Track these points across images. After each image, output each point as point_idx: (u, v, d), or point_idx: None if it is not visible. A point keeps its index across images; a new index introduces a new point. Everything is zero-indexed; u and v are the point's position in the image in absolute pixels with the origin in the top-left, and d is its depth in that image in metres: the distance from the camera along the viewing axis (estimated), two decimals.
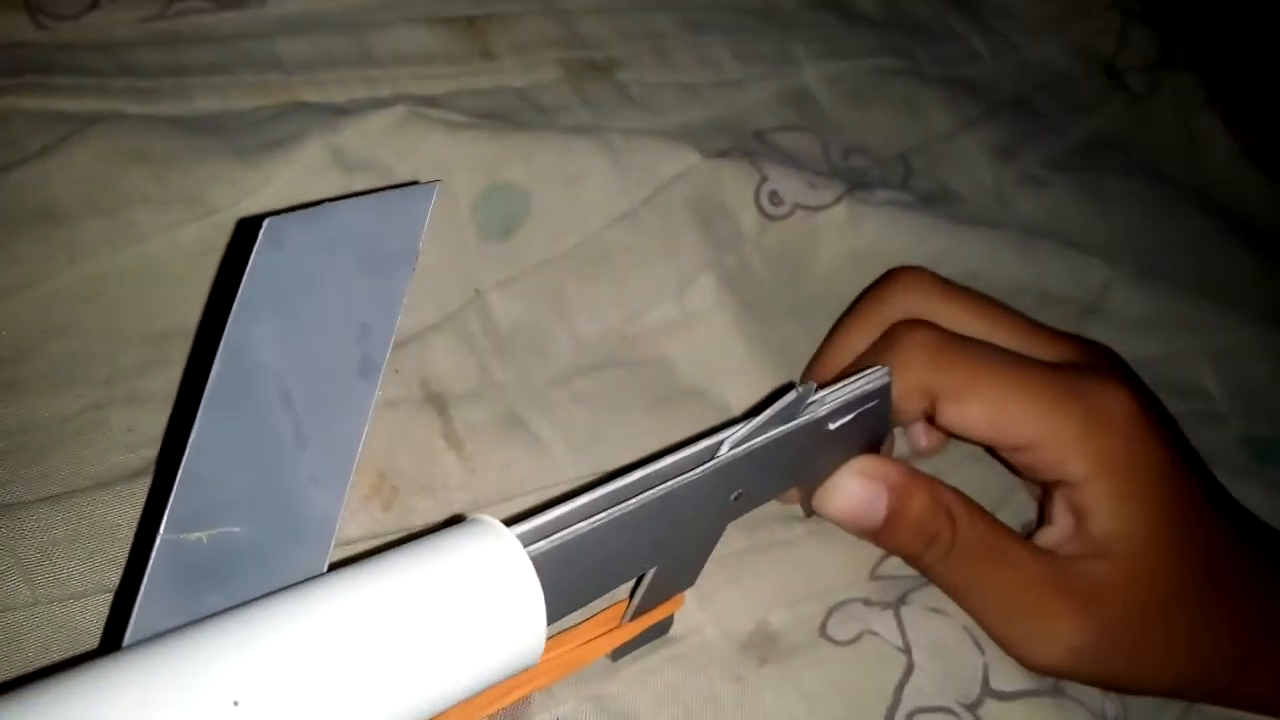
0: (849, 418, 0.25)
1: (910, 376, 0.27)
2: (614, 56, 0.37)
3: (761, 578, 0.28)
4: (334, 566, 0.18)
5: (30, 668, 0.21)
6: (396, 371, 0.28)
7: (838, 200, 0.35)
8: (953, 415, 0.28)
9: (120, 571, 0.22)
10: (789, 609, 0.28)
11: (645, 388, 0.31)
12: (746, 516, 0.26)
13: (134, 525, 0.23)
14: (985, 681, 0.28)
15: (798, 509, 0.30)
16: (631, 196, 0.32)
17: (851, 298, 0.34)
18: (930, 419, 0.29)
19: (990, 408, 0.27)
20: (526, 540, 0.18)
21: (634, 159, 0.32)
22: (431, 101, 0.32)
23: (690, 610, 0.27)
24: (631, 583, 0.24)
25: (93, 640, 0.22)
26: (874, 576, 0.30)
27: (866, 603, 0.29)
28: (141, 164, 0.27)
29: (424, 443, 0.27)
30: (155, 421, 0.25)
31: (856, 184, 0.36)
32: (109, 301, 0.26)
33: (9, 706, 0.14)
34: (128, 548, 0.23)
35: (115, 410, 0.25)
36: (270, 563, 0.17)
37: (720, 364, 0.32)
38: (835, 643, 0.28)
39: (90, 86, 0.28)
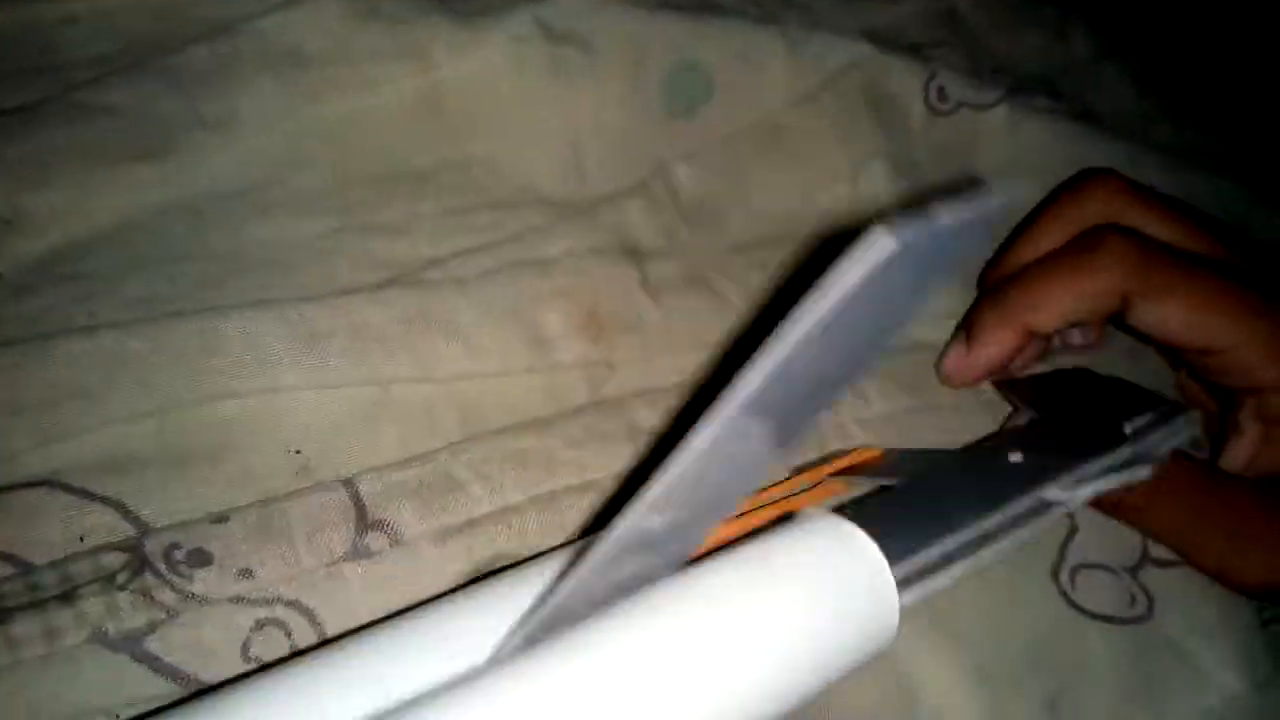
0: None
1: (1108, 279, 0.28)
2: None
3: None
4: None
5: (291, 448, 0.23)
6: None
7: (999, 101, 0.36)
8: (1147, 315, 0.28)
9: (370, 366, 0.24)
10: None
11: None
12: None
13: (383, 326, 0.25)
14: (1145, 551, 0.29)
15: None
16: (807, 81, 0.34)
17: None
18: (1118, 320, 0.29)
19: (1188, 310, 0.28)
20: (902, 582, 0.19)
21: (810, 48, 0.34)
22: None
23: None
24: None
25: (351, 434, 0.24)
26: None
27: None
28: (376, 20, 0.29)
29: (625, 288, 0.29)
30: (387, 248, 0.27)
31: (1016, 89, 0.37)
32: (342, 142, 0.28)
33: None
34: (377, 344, 0.25)
35: (351, 236, 0.27)
36: (661, 549, 0.18)
37: None
38: None
39: None
